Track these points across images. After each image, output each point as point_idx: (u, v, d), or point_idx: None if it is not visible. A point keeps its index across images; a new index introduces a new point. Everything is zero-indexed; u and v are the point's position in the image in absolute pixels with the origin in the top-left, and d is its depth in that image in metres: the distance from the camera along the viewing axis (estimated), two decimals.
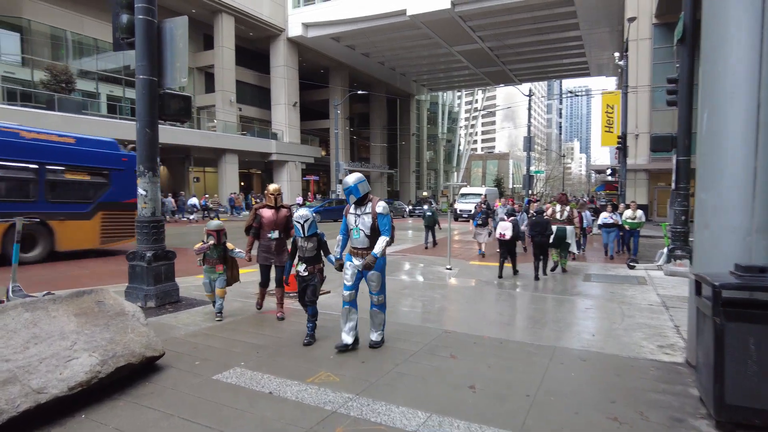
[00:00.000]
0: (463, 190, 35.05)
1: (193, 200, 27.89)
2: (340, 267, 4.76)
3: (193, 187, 31.42)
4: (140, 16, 6.19)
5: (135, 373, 3.80)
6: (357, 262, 4.67)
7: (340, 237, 4.76)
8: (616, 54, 26.41)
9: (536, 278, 9.21)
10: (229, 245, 5.85)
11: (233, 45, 33.28)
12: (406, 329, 5.48)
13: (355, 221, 4.63)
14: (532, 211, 11.33)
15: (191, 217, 26.44)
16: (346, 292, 4.68)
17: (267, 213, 6.05)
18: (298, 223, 4.77)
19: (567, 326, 5.82)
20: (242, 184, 39.90)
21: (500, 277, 9.22)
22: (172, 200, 26.75)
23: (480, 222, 12.65)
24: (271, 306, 6.53)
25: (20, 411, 2.99)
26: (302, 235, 4.82)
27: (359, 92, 37.32)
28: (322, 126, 46.53)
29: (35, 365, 3.29)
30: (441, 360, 4.44)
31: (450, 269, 10.13)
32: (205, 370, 4.08)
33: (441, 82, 55.26)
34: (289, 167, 37.06)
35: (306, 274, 4.92)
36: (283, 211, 6.17)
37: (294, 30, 36.34)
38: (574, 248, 10.30)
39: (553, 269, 10.20)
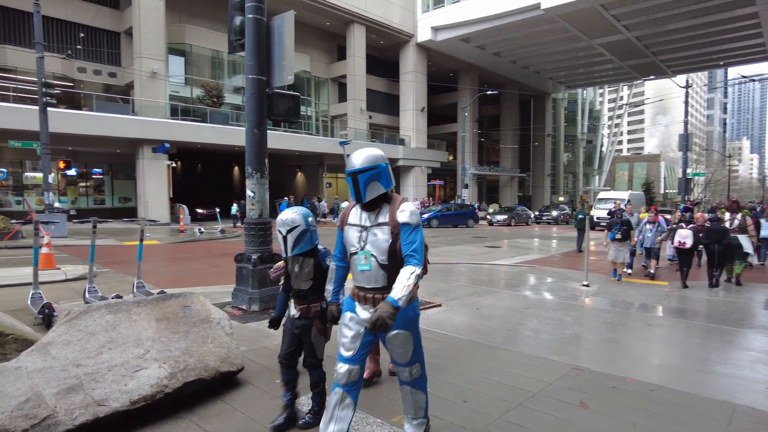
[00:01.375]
0: (602, 195, 31.39)
1: (345, 203, 29.18)
2: (335, 319, 2.77)
3: (326, 192, 32.80)
4: (250, 15, 6.10)
5: (207, 389, 3.46)
6: (364, 313, 2.61)
7: (333, 265, 2.80)
8: None
9: (711, 285, 8.96)
10: None
11: (364, 54, 34.19)
12: (524, 360, 4.52)
13: (361, 239, 2.60)
14: (699, 217, 9.77)
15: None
16: (343, 368, 2.55)
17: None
18: (279, 233, 2.93)
19: (747, 373, 4.35)
20: None
21: (685, 287, 8.83)
22: (324, 204, 29.15)
23: (619, 236, 9.51)
24: None
25: (77, 424, 2.76)
26: (286, 254, 2.98)
27: (488, 92, 35.82)
28: (449, 130, 45.84)
29: (103, 373, 3.09)
30: (566, 409, 3.43)
31: (587, 286, 8.72)
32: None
33: (580, 78, 51.14)
34: (415, 172, 36.98)
35: (299, 318, 3.05)
36: None
37: (423, 35, 36.26)
38: (751, 253, 9.65)
39: (727, 280, 9.50)
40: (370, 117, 37.47)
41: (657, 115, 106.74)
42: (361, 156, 2.59)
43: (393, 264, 2.53)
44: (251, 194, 6.28)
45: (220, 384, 3.58)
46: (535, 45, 38.25)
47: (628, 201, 21.46)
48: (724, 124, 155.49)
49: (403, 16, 35.62)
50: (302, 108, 33.64)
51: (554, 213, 34.38)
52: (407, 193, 36.42)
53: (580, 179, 63.57)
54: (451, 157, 45.04)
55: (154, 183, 23.21)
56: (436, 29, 35.72)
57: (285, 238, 2.91)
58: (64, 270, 8.78)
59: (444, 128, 46.15)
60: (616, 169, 77.28)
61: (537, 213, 35.75)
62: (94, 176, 26.20)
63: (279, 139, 27.82)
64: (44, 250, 8.43)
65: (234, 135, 24.26)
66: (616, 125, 78.45)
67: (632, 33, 34.45)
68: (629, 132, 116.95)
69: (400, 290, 2.31)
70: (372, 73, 37.27)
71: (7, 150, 21.84)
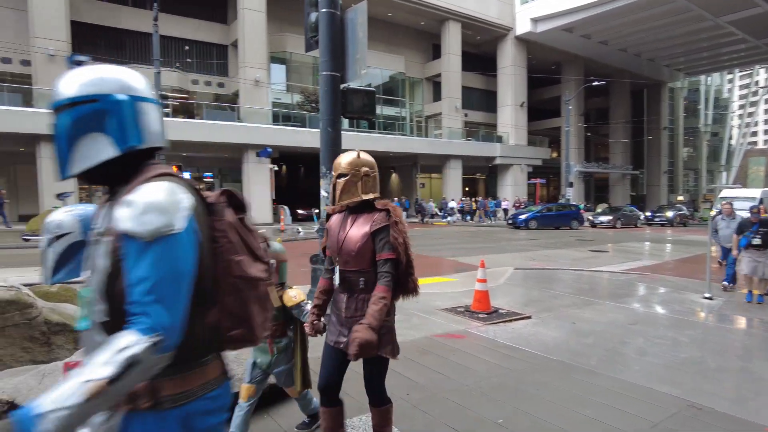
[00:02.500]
0: (725, 193, 26.20)
1: (452, 203, 29.88)
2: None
3: (419, 192, 32.52)
4: (323, 9, 5.92)
5: (262, 397, 3.24)
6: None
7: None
8: None
9: None
10: (293, 295, 2.81)
11: (460, 51, 33.41)
12: (624, 390, 3.77)
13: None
14: None
15: (451, 219, 29.06)
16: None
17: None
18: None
19: None
20: (466, 189, 39.91)
21: None
22: (433, 204, 29.56)
23: (757, 240, 7.41)
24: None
25: None
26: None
27: (595, 83, 33.15)
28: (551, 125, 43.32)
29: None
30: None
31: (710, 299, 7.44)
32: None
33: (703, 63, 45.68)
34: (514, 170, 35.36)
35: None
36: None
37: (522, 27, 34.61)
38: None
39: None
40: (466, 115, 36.53)
41: None
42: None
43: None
44: (325, 194, 6.09)
45: (269, 396, 3.34)
46: (648, 30, 34.76)
47: (761, 201, 18.47)
48: None
49: (500, 9, 34.27)
50: (396, 109, 33.79)
51: (669, 213, 30.72)
52: (505, 193, 34.95)
53: (703, 176, 56.93)
54: (554, 154, 42.55)
55: (257, 185, 24.48)
56: (535, 20, 33.90)
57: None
58: None
59: (546, 123, 43.75)
60: (749, 165, 68.04)
61: (649, 213, 32.16)
62: (205, 179, 28.31)
63: (374, 140, 28.13)
64: None
65: None
66: (749, 114, 69.15)
67: None
68: (767, 122, 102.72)
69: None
70: (468, 70, 36.32)
71: None
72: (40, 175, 19.54)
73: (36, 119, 18.65)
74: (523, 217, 24.57)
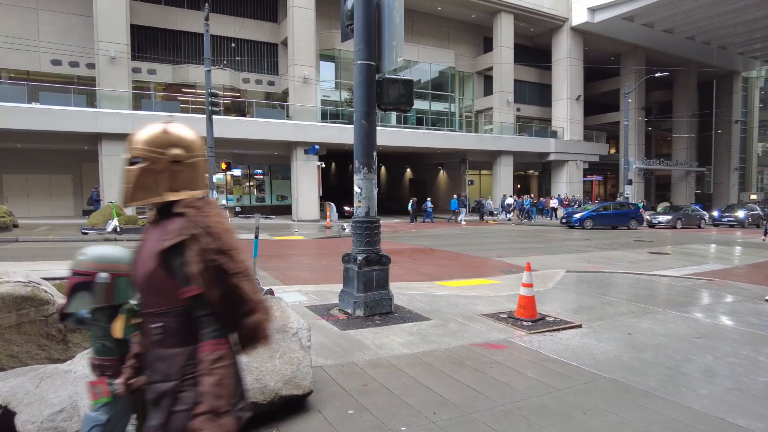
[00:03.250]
0: None
1: (510, 200, 29.42)
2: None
3: (467, 189, 31.75)
4: None
5: (261, 416, 2.97)
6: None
7: None
8: None
9: None
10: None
11: (512, 44, 32.28)
12: (689, 419, 3.22)
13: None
14: None
15: (508, 216, 28.95)
16: None
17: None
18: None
19: None
20: (518, 186, 38.68)
21: None
22: (491, 202, 29.44)
23: None
24: (496, 337, 5.07)
25: None
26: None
27: (657, 75, 31.07)
28: (610, 120, 41.19)
29: None
30: None
31: None
32: (355, 427, 2.99)
33: None
34: (569, 167, 33.86)
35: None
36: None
37: (578, 17, 33.00)
38: None
39: None
40: (518, 109, 35.35)
41: None
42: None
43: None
44: (358, 190, 5.80)
45: (280, 409, 3.07)
46: (720, 15, 32.25)
47: None
48: None
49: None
50: (446, 105, 33.13)
51: (739, 213, 28.22)
52: (559, 190, 33.55)
53: None
54: (612, 150, 40.52)
55: (305, 182, 24.64)
56: (593, 10, 32.24)
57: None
58: None
59: (604, 118, 41.68)
60: None
61: (716, 213, 29.68)
62: (255, 176, 28.84)
63: (421, 137, 27.69)
64: None
65: (381, 135, 24.61)
66: None
67: None
68: None
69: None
70: (521, 63, 35.14)
71: None
72: (102, 171, 20.49)
73: (99, 119, 19.77)
74: (578, 216, 23.37)
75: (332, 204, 23.78)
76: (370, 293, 5.63)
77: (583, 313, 6.25)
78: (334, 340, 4.78)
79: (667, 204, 35.18)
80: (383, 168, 42.15)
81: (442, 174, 35.97)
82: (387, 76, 5.81)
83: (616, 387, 3.76)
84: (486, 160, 32.16)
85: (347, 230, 19.06)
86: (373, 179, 5.84)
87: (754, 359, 4.56)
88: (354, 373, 3.87)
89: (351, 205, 26.32)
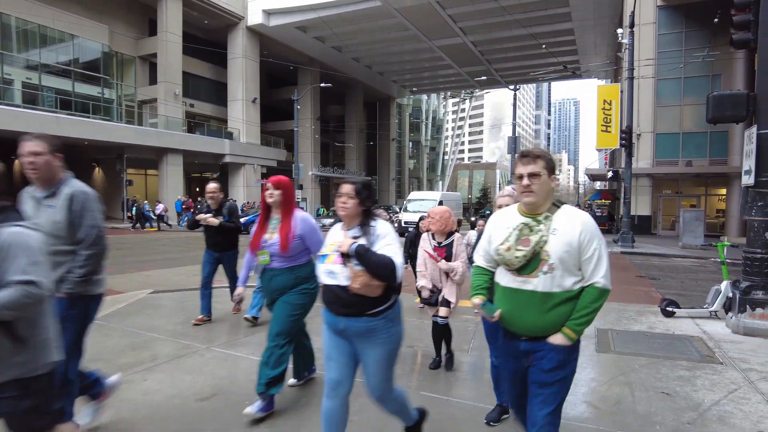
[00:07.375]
0: (412, 195, 27.53)
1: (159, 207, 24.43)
2: None
3: (126, 190, 26.87)
4: None
5: None
6: None
7: None
8: (619, 30, 22.46)
9: None
10: None
11: (180, 32, 29.09)
12: None
13: None
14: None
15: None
16: None
17: None
18: None
19: None
20: (197, 189, 35.63)
21: None
22: (147, 205, 24.01)
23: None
24: None
25: None
26: None
27: (322, 85, 33.04)
28: (289, 127, 42.11)
29: None
30: None
31: None
32: None
33: (425, 83, 51.46)
34: (246, 170, 32.75)
35: None
36: None
37: (254, 18, 32.30)
38: None
39: None
40: (192, 105, 32.45)
41: (493, 127, 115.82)
42: None
43: None
44: None
45: None
46: (377, 43, 36.68)
47: (440, 202, 19.85)
48: (548, 137, 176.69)
49: None
50: (101, 90, 27.53)
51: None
52: (237, 194, 32.08)
53: (424, 184, 64.80)
54: (291, 157, 41.56)
55: None
56: (268, 13, 32.11)
57: None
58: None
59: (283, 125, 42.43)
60: (458, 176, 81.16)
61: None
62: None
63: (55, 124, 21.62)
64: None
65: None
66: (457, 135, 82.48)
67: (468, 37, 34.58)
68: (470, 142, 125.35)
69: None
70: (196, 56, 32.30)
71: None
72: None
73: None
74: (243, 220, 21.95)
75: None
76: None
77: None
78: None
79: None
80: None
81: (98, 172, 29.81)
82: None
83: None
84: (151, 157, 27.99)
85: None
86: None
87: None
88: None
89: None
